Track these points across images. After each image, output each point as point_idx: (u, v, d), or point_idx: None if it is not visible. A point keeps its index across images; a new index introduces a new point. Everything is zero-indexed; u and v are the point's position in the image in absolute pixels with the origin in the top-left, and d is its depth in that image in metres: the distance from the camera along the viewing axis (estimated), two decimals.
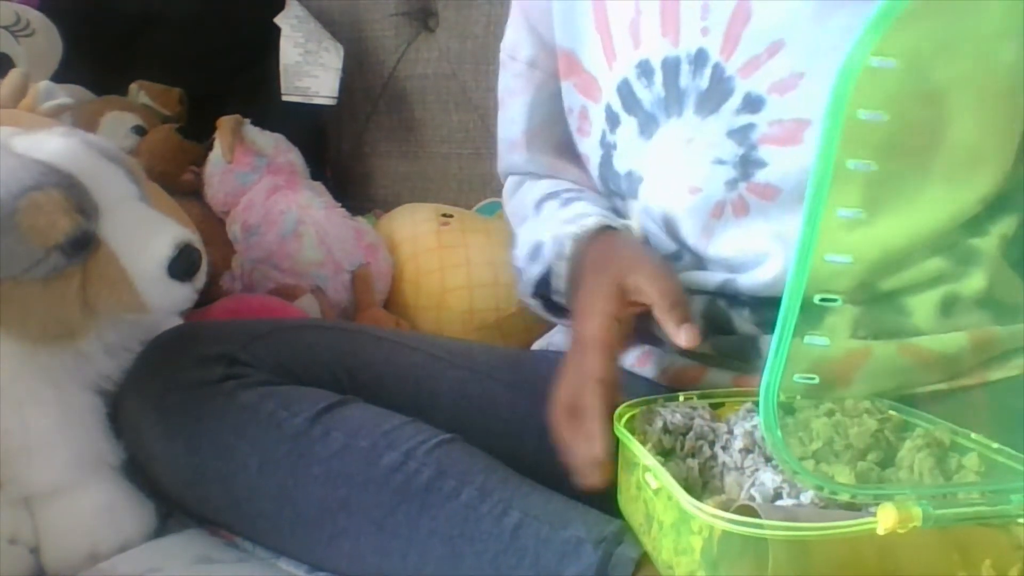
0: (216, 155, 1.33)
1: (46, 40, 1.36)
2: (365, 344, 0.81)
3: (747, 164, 0.78)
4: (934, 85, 0.59)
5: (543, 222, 0.89)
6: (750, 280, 0.79)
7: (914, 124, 0.54)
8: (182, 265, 0.74)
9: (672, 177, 0.82)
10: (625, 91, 0.85)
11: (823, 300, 0.44)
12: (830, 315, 0.45)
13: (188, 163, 1.36)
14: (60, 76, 1.35)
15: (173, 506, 0.79)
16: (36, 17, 1.35)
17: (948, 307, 0.76)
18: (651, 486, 0.59)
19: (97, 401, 0.79)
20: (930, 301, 0.75)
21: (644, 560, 0.62)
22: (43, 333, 0.74)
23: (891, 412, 0.65)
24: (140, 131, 1.36)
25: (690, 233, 0.82)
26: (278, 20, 1.44)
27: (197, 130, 1.37)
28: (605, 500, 0.68)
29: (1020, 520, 0.51)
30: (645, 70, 0.83)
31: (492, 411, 0.80)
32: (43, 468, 0.75)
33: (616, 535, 0.63)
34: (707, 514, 0.52)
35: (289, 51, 1.43)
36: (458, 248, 1.27)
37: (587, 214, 0.84)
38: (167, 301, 0.75)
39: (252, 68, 1.48)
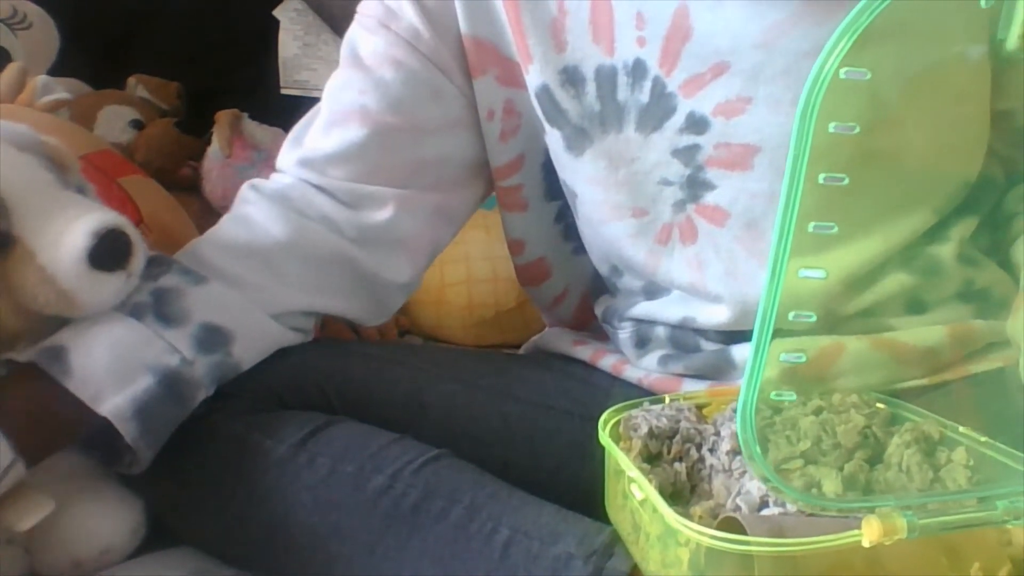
0: (214, 149, 1.33)
1: (43, 33, 1.36)
2: (351, 362, 0.79)
3: (695, 185, 0.75)
4: (900, 94, 0.58)
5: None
6: (708, 318, 0.77)
7: (883, 136, 0.52)
8: (105, 254, 0.66)
9: (613, 198, 0.78)
10: (545, 99, 0.78)
11: (797, 317, 0.43)
12: (804, 331, 0.44)
13: (186, 157, 1.36)
14: (57, 69, 1.36)
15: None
16: (33, 10, 1.35)
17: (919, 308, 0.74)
18: (636, 497, 0.58)
19: None
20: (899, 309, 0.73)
21: (634, 572, 0.61)
22: None
23: (879, 405, 0.64)
24: (138, 125, 1.36)
25: (635, 259, 0.79)
26: (277, 13, 1.44)
27: (195, 124, 1.38)
28: (597, 504, 0.67)
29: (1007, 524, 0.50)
30: (572, 78, 0.77)
31: (482, 421, 0.79)
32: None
33: (607, 547, 0.63)
34: (692, 530, 0.51)
35: (288, 44, 1.43)
36: (457, 243, 1.25)
37: None
38: (97, 296, 0.68)
39: (251, 61, 1.48)
